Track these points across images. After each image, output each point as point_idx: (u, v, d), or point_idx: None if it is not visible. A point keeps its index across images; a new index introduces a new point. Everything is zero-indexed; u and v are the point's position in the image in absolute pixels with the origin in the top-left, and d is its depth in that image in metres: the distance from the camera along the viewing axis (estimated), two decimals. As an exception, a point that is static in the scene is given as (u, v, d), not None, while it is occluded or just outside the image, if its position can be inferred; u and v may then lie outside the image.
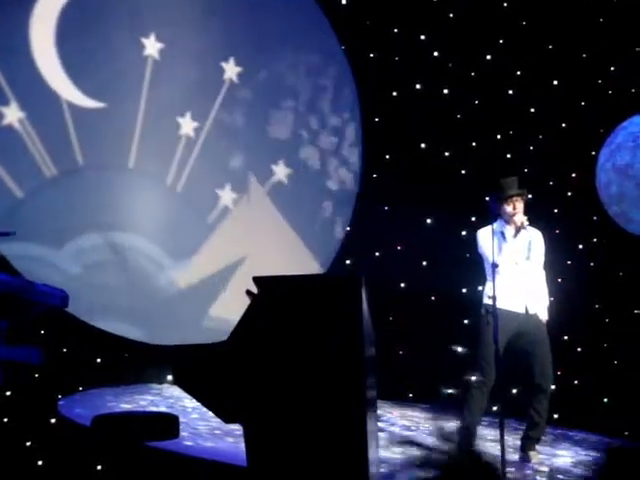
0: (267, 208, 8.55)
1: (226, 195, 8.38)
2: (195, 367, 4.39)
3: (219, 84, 8.40)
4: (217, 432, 6.29)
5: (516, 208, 6.19)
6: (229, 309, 8.11)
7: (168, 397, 7.30)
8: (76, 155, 7.76)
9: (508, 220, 6.23)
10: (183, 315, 8.09)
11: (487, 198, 6.57)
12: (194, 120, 8.25)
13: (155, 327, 7.91)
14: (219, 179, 8.37)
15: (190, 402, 6.64)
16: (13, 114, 7.55)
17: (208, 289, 8.21)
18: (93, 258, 7.73)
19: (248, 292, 4.39)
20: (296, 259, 8.49)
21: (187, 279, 8.17)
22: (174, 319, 8.03)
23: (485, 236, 6.13)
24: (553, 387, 6.38)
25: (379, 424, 5.23)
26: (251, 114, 8.50)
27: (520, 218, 6.20)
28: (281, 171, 8.59)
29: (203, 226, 8.28)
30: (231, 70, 8.44)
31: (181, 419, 4.99)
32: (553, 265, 6.79)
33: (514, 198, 6.19)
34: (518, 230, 6.20)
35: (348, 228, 8.62)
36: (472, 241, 6.42)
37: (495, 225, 6.17)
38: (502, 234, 6.23)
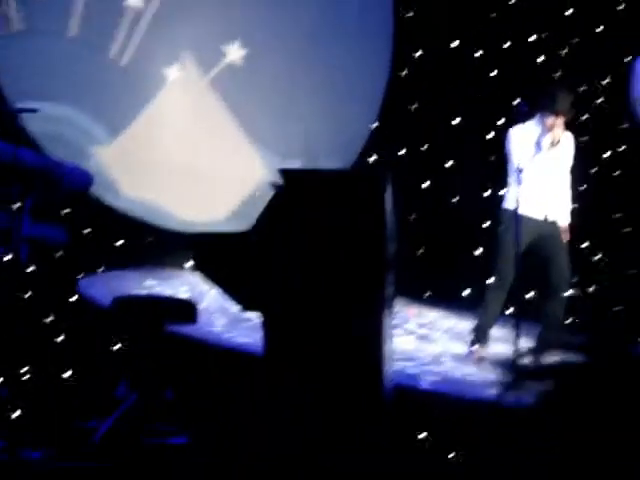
0: (212, 93, 8.01)
1: (173, 74, 7.87)
2: (217, 253, 4.43)
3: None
4: (233, 322, 6.37)
5: (556, 124, 6.14)
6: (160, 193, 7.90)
7: (187, 283, 7.38)
8: (11, 13, 7.38)
9: (544, 130, 6.18)
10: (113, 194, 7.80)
11: (517, 101, 6.50)
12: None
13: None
14: (167, 55, 7.84)
15: (209, 290, 6.70)
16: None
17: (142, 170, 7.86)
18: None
19: (273, 183, 4.40)
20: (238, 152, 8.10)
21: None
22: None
23: (518, 137, 6.09)
24: (570, 292, 6.43)
25: (394, 320, 5.29)
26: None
27: (558, 134, 6.16)
28: (236, 52, 8.00)
29: (145, 104, 7.82)
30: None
31: (199, 306, 5.05)
32: (578, 172, 6.75)
33: (559, 114, 6.13)
34: (552, 142, 6.16)
35: (375, 124, 8.53)
36: (502, 140, 6.37)
37: (530, 127, 6.13)
38: (538, 143, 6.18)
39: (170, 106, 7.98)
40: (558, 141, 6.16)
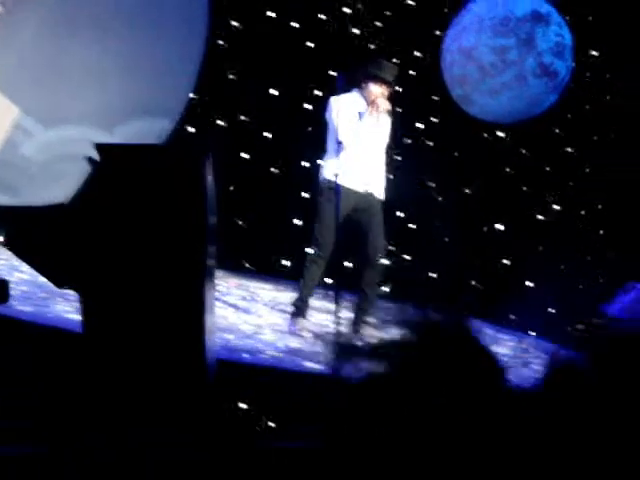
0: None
1: None
2: (28, 229, 4.27)
3: None
4: (50, 297, 6.17)
5: (381, 93, 6.21)
6: None
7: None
8: None
9: (368, 99, 6.23)
10: None
11: (335, 73, 6.55)
12: None
13: None
14: None
15: (22, 266, 6.46)
16: None
17: None
18: None
19: (89, 159, 4.26)
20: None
21: None
22: None
23: (338, 107, 6.10)
24: (386, 262, 6.57)
25: (215, 293, 5.26)
26: None
27: (384, 104, 6.22)
28: None
29: None
30: None
31: (12, 283, 4.85)
32: (393, 143, 6.90)
33: (385, 84, 6.19)
34: (376, 111, 6.21)
35: (192, 95, 8.42)
36: (321, 110, 6.40)
37: (351, 97, 6.18)
38: (360, 113, 6.24)
39: None
40: (382, 110, 6.21)
